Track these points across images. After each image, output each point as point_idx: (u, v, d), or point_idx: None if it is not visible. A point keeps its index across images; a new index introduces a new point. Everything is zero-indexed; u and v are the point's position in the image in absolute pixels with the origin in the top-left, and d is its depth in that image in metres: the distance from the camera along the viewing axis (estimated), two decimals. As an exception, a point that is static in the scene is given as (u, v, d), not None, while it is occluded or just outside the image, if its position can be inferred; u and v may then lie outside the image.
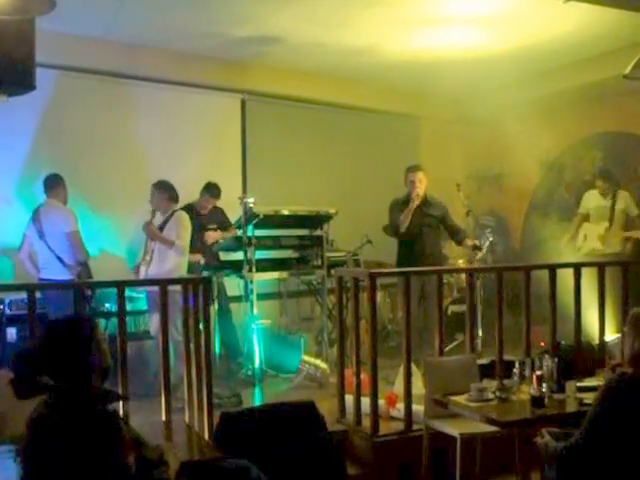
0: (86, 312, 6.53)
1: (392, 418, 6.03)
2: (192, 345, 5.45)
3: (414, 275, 6.48)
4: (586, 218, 9.40)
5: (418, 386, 5.92)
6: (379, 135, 10.75)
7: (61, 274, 7.01)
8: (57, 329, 3.06)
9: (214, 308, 7.74)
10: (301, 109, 10.28)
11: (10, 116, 7.20)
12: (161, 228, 7.31)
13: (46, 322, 3.16)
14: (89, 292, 6.98)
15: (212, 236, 8.16)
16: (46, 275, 7.07)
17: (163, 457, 2.95)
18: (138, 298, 7.79)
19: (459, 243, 8.13)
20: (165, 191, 7.40)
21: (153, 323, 7.21)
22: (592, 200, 9.35)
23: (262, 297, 8.18)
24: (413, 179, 7.71)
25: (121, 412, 4.88)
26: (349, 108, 10.61)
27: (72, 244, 7.09)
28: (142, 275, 7.23)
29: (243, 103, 9.91)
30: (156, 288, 6.08)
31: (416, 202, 7.63)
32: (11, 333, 7.03)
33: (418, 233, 7.74)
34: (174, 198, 7.48)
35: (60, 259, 7.05)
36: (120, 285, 5.28)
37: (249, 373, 7.60)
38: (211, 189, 8.27)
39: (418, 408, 5.70)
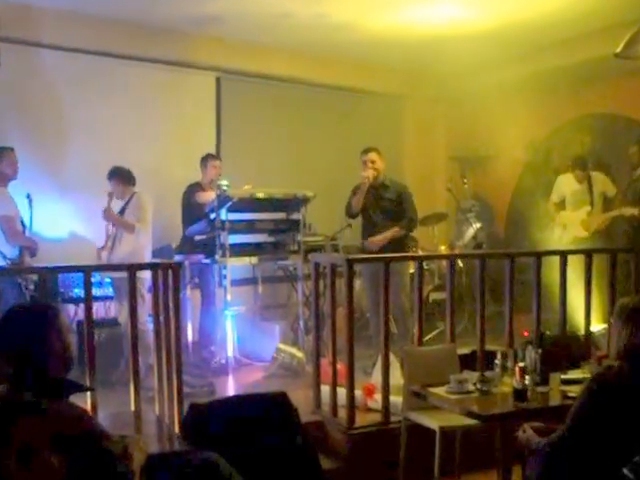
0: (27, 301, 6.50)
1: (369, 410, 6.05)
2: (162, 333, 5.43)
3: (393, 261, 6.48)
4: (561, 206, 9.34)
5: (396, 376, 5.94)
6: (360, 115, 10.72)
7: None
8: (15, 316, 3.03)
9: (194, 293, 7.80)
10: (278, 88, 10.23)
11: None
12: (122, 212, 7.32)
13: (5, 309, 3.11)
14: (23, 281, 6.83)
15: (204, 196, 8.14)
16: None
17: (127, 450, 2.93)
18: (108, 283, 7.76)
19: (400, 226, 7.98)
20: (117, 178, 7.49)
21: (120, 310, 7.19)
22: (567, 185, 9.29)
23: (236, 283, 8.16)
24: (365, 159, 7.79)
25: (88, 403, 4.87)
26: (329, 87, 10.59)
27: (2, 229, 6.94)
28: (104, 261, 7.22)
29: (218, 81, 9.88)
30: (121, 274, 6.08)
31: (365, 184, 7.67)
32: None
33: (373, 217, 7.81)
34: (127, 182, 7.52)
35: None
36: (86, 270, 5.23)
37: (222, 361, 7.59)
38: (205, 159, 8.39)
39: (396, 399, 5.71)
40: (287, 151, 10.05)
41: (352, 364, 5.79)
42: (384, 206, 7.80)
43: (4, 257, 6.80)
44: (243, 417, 3.93)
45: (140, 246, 7.28)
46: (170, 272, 5.37)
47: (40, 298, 5.30)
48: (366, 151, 7.84)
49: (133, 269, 5.47)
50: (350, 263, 5.80)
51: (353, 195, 7.83)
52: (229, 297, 7.69)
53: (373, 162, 7.74)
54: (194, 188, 8.22)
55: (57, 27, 8.18)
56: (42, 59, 8.28)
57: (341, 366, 5.94)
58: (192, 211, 8.06)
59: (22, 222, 7.03)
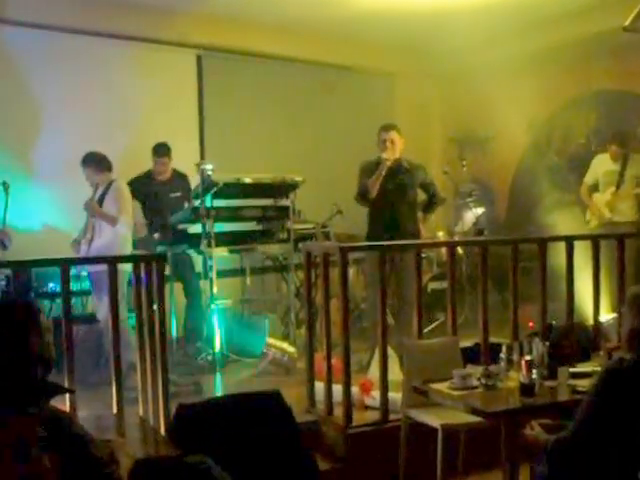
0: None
1: (367, 407, 6.03)
2: (145, 329, 5.41)
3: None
4: (595, 188, 9.12)
5: (395, 372, 5.94)
6: (350, 94, 10.72)
7: None
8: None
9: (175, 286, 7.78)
10: (264, 65, 10.20)
11: None
12: (100, 202, 7.25)
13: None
14: None
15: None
16: None
17: (113, 455, 2.92)
18: (85, 276, 7.72)
19: (429, 210, 8.03)
20: (91, 164, 7.34)
21: (98, 306, 7.14)
22: (601, 166, 9.05)
23: (222, 274, 8.15)
24: (385, 138, 7.51)
25: (67, 405, 4.85)
26: (317, 64, 10.55)
27: None
28: (82, 253, 7.16)
29: (199, 59, 9.85)
30: (99, 267, 6.06)
31: (387, 164, 7.41)
32: None
33: (389, 202, 7.55)
34: (104, 168, 7.39)
35: None
36: (64, 264, 5.21)
37: (209, 358, 7.57)
38: (155, 149, 8.28)
39: (395, 396, 5.71)
40: (273, 133, 10.00)
41: (348, 359, 5.75)
42: (403, 191, 7.61)
43: None
44: (234, 418, 3.93)
45: (120, 237, 7.19)
46: (154, 264, 5.34)
47: (13, 294, 5.25)
48: (386, 129, 7.58)
49: (114, 262, 5.43)
50: (344, 252, 5.78)
51: (362, 177, 7.62)
52: (215, 290, 7.65)
53: (393, 143, 7.51)
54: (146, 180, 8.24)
55: (25, 2, 8.13)
56: (9, 38, 8.25)
57: (336, 361, 5.91)
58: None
59: None
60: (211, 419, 3.89)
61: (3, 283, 6.73)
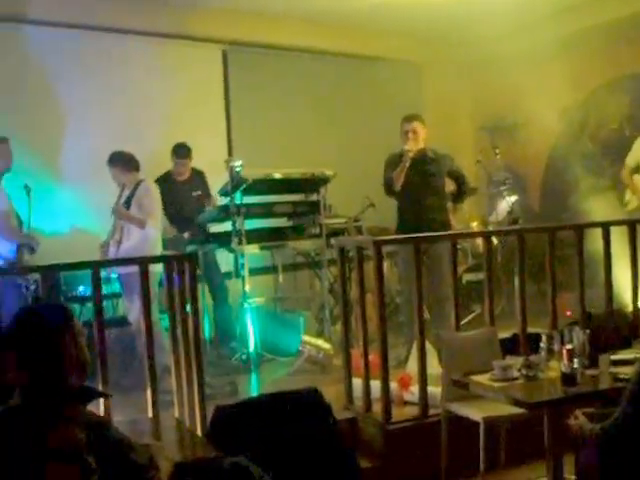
0: (28, 302, 6.49)
1: (406, 403, 6.00)
2: (178, 330, 5.40)
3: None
4: (636, 170, 8.93)
5: (433, 365, 5.90)
6: (378, 85, 10.63)
7: None
8: (26, 320, 3.00)
9: (204, 286, 7.77)
10: (289, 58, 10.23)
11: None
12: (127, 203, 7.24)
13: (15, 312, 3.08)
14: (23, 281, 6.81)
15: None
16: None
17: (153, 459, 2.92)
18: (115, 279, 7.72)
19: (458, 200, 7.95)
20: (118, 164, 7.31)
21: (130, 308, 7.13)
22: None
23: (254, 272, 8.14)
24: (407, 129, 7.44)
25: (102, 410, 4.85)
26: (344, 56, 10.55)
27: None
28: (111, 255, 7.14)
29: (224, 54, 9.86)
30: (129, 269, 6.05)
31: (409, 156, 7.32)
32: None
33: (416, 193, 7.46)
34: (131, 168, 7.35)
35: None
36: (95, 266, 5.21)
37: (243, 358, 7.56)
38: (176, 150, 8.27)
39: (435, 390, 5.68)
40: (302, 127, 10.00)
41: (385, 354, 5.73)
42: (430, 181, 7.52)
43: (1, 257, 6.78)
44: (272, 417, 3.91)
45: (150, 238, 7.16)
46: (186, 264, 5.32)
47: (43, 299, 5.25)
48: (408, 120, 7.51)
49: (145, 262, 5.42)
50: (378, 245, 5.74)
51: (388, 169, 7.58)
52: (247, 288, 7.64)
53: (416, 133, 7.43)
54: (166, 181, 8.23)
55: (48, 1, 8.15)
56: (33, 38, 8.23)
57: (373, 357, 5.89)
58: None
59: (18, 217, 6.99)
60: (249, 419, 3.88)
61: (33, 287, 6.72)
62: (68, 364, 2.93)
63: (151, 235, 7.19)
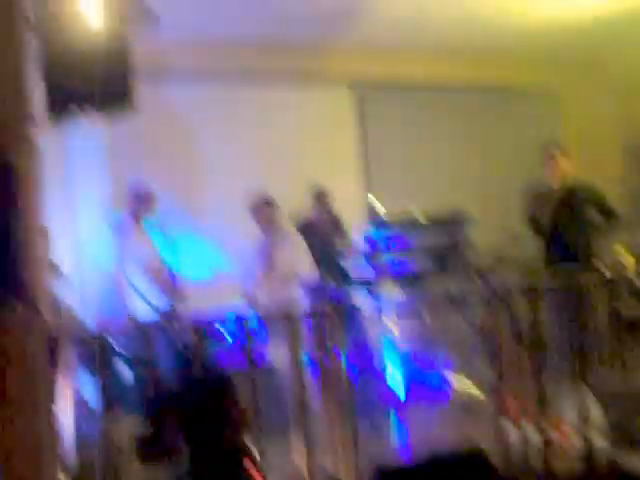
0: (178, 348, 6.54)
1: (565, 453, 5.75)
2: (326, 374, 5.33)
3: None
4: None
5: (594, 411, 5.65)
6: (516, 116, 10.50)
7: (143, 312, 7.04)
8: (190, 390, 2.99)
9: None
10: (424, 95, 10.10)
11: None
12: (271, 248, 7.23)
13: (189, 379, 3.09)
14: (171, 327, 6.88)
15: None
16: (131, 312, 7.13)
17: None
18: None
19: (607, 232, 7.61)
20: (264, 208, 7.41)
21: (275, 352, 7.10)
22: None
23: (397, 312, 8.03)
24: (547, 157, 7.31)
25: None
26: (477, 89, 10.39)
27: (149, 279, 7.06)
28: (260, 301, 7.14)
29: (356, 94, 9.85)
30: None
31: (554, 189, 7.21)
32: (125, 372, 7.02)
33: (561, 228, 7.28)
34: (275, 212, 7.46)
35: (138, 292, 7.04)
36: (242, 318, 5.23)
37: (389, 400, 7.43)
38: (316, 196, 8.26)
39: (599, 441, 5.41)
40: (439, 161, 9.95)
41: (543, 397, 5.55)
42: (575, 216, 7.33)
43: (155, 309, 6.87)
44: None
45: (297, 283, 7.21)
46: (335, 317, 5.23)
47: (194, 349, 5.24)
48: (549, 149, 7.39)
49: (294, 319, 5.34)
50: (529, 292, 5.54)
51: (529, 204, 7.39)
52: (392, 329, 7.54)
53: (555, 160, 7.28)
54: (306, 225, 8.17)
55: (184, 54, 8.26)
56: (170, 90, 8.40)
57: (525, 400, 5.66)
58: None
59: (168, 268, 7.08)
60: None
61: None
62: (228, 427, 2.91)
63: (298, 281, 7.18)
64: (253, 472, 3.07)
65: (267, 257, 7.21)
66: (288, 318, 5.29)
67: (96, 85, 4.54)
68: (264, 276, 7.25)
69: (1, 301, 3.55)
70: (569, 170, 7.34)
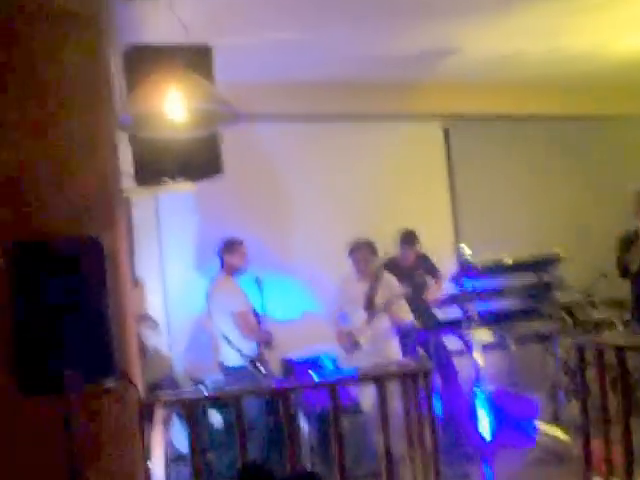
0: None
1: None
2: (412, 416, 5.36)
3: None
4: None
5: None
6: (610, 146, 10.32)
7: (233, 358, 7.16)
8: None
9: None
10: (513, 127, 10.01)
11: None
12: (371, 292, 7.32)
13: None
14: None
15: (433, 292, 8.05)
16: (222, 359, 7.28)
17: None
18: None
19: None
20: (362, 249, 7.47)
21: (361, 396, 7.16)
22: None
23: (484, 349, 8.02)
24: (638, 208, 7.26)
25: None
26: (570, 118, 10.22)
27: (238, 325, 7.17)
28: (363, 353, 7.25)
29: (445, 130, 9.81)
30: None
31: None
32: (216, 417, 7.16)
33: None
34: (373, 254, 7.53)
35: (228, 340, 7.14)
36: (333, 384, 5.28)
37: (475, 444, 7.41)
38: (403, 237, 8.23)
39: None
40: (527, 196, 9.80)
41: (630, 448, 5.36)
42: None
43: (243, 355, 7.00)
44: None
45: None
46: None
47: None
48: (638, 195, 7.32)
49: (382, 380, 5.41)
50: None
51: (620, 250, 7.33)
52: (481, 371, 7.51)
53: None
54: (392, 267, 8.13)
55: (268, 97, 8.40)
56: (261, 133, 8.52)
57: (617, 448, 5.54)
58: None
59: (255, 312, 7.20)
60: None
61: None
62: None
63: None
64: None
65: (367, 300, 7.29)
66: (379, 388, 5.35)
67: (185, 163, 4.74)
68: (364, 320, 7.32)
69: (97, 377, 3.72)
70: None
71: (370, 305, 7.24)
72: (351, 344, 7.30)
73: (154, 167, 4.79)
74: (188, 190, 6.68)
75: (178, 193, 7.04)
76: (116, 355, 3.71)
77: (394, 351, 7.32)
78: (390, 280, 7.43)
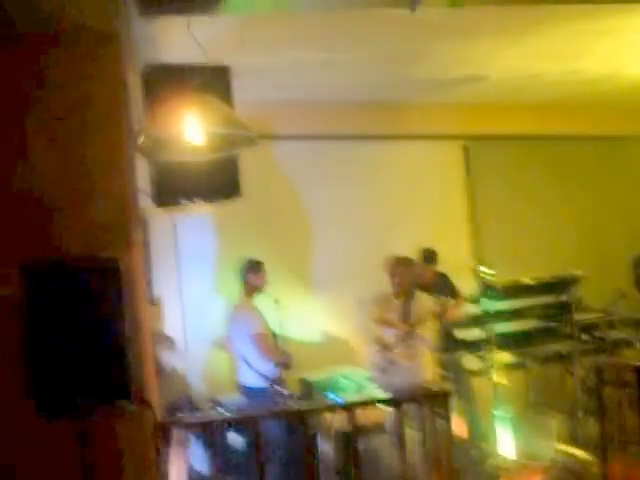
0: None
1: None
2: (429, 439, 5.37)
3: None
4: None
5: None
6: (628, 167, 10.31)
7: (252, 379, 7.17)
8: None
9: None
10: (533, 148, 9.96)
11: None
12: (407, 312, 7.32)
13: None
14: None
15: (453, 312, 8.02)
16: (241, 379, 7.30)
17: None
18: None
19: None
20: (409, 266, 7.44)
21: (386, 415, 7.14)
22: None
23: (503, 368, 8.00)
24: None
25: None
26: (589, 139, 10.20)
27: (256, 347, 7.18)
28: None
29: (465, 149, 9.78)
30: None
31: None
32: (233, 438, 7.14)
33: None
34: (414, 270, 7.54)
35: (247, 362, 7.18)
36: (350, 407, 5.27)
37: (496, 464, 7.38)
38: (425, 256, 8.24)
39: None
40: (549, 219, 9.75)
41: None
42: None
43: (263, 376, 7.01)
44: None
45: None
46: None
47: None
48: None
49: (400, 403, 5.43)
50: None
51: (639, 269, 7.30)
52: (501, 391, 7.50)
53: None
54: None
55: (291, 118, 8.44)
56: (276, 156, 8.53)
57: (636, 469, 5.58)
58: None
59: (273, 334, 7.19)
60: None
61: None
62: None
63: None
64: None
65: (403, 318, 7.27)
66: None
67: (203, 186, 4.76)
68: (400, 336, 7.30)
69: (113, 399, 3.72)
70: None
71: (406, 321, 7.24)
72: (386, 362, 7.28)
73: (172, 188, 4.83)
74: (206, 211, 6.70)
75: (196, 214, 7.07)
76: (133, 376, 3.71)
77: (429, 368, 7.30)
78: (422, 297, 7.39)
